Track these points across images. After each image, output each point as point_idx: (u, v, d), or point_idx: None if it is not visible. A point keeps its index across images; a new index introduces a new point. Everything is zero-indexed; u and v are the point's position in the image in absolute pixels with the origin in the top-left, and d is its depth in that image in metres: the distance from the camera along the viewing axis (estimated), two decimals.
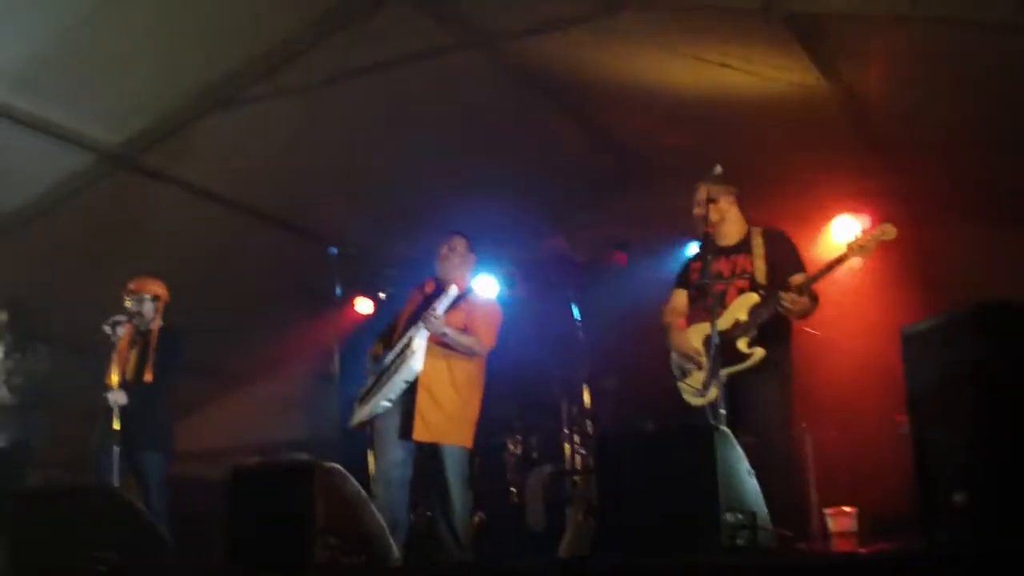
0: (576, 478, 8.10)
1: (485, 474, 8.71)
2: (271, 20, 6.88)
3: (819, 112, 7.30)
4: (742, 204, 6.25)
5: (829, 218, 8.61)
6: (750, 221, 6.27)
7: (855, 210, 8.40)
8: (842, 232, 8.28)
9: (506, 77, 7.55)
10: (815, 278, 5.84)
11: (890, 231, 5.77)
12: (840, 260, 5.80)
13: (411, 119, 8.00)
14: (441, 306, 6.42)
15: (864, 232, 5.86)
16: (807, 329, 6.93)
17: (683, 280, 6.45)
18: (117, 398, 6.91)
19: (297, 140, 7.99)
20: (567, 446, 8.36)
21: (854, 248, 5.78)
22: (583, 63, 7.29)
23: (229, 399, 10.88)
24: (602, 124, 8.27)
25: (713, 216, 6.01)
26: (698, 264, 6.29)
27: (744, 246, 6.14)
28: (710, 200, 5.96)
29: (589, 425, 8.31)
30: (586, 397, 8.36)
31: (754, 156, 7.63)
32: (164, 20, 6.74)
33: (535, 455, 8.74)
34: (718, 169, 5.82)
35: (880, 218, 7.94)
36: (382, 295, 8.13)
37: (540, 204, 9.34)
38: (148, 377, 7.12)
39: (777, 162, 8.01)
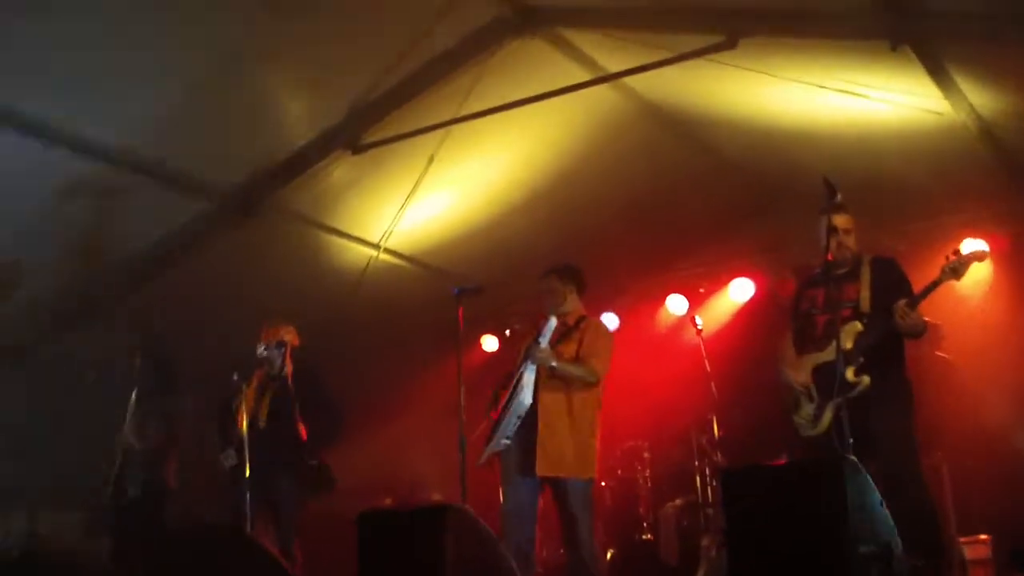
0: (709, 510, 8.03)
1: (616, 508, 8.68)
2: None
3: (948, 136, 7.21)
4: (858, 232, 6.20)
5: (957, 241, 8.38)
6: (863, 248, 6.24)
7: (982, 234, 8.16)
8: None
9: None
10: (917, 300, 5.79)
11: (980, 252, 5.82)
12: (936, 283, 5.79)
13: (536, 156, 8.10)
14: (544, 338, 6.46)
15: (956, 253, 5.81)
16: (939, 353, 6.82)
17: (795, 310, 6.45)
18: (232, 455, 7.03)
19: (420, 181, 8.10)
20: (698, 478, 8.31)
21: (946, 270, 5.77)
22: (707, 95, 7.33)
23: (361, 437, 10.96)
24: (726, 153, 8.23)
25: (832, 245, 5.93)
26: (810, 293, 6.31)
27: (853, 274, 6.13)
28: (831, 229, 5.89)
29: (719, 455, 8.23)
30: (715, 427, 8.30)
31: (881, 182, 7.58)
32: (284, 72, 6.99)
33: (666, 488, 8.70)
34: (839, 197, 5.76)
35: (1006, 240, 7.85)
36: (508, 332, 8.18)
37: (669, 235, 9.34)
38: (286, 422, 7.21)
39: (905, 187, 7.92)
